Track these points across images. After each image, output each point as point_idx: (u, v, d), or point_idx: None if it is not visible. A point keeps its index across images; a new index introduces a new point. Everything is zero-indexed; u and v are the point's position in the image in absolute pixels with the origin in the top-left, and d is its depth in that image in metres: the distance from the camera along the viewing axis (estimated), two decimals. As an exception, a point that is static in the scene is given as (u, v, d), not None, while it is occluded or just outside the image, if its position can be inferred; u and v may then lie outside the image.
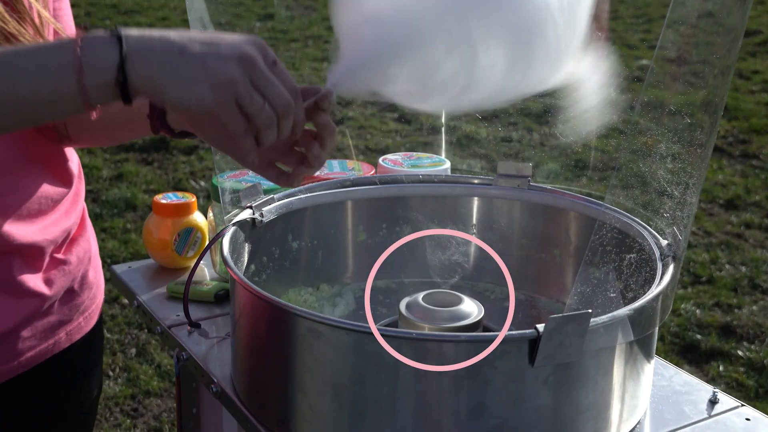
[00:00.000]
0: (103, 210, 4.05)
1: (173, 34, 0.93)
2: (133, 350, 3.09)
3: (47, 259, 1.23)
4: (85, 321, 1.32)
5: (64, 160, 1.26)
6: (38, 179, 1.20)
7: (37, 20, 1.14)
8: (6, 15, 1.08)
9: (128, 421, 2.75)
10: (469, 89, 1.03)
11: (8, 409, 1.24)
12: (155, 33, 0.93)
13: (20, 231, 1.17)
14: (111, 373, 2.97)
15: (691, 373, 1.35)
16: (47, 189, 1.21)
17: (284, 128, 0.96)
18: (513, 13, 1.01)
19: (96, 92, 0.91)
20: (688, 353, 3.13)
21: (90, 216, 1.37)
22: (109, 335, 3.16)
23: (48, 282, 1.23)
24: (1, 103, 0.91)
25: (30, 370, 1.23)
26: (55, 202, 1.23)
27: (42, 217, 1.21)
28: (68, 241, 1.27)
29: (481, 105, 1.08)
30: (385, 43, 1.02)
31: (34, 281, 1.20)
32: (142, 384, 2.91)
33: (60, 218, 1.24)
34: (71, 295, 1.28)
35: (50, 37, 1.17)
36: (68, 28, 1.24)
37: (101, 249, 3.67)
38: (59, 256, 1.25)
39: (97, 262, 1.37)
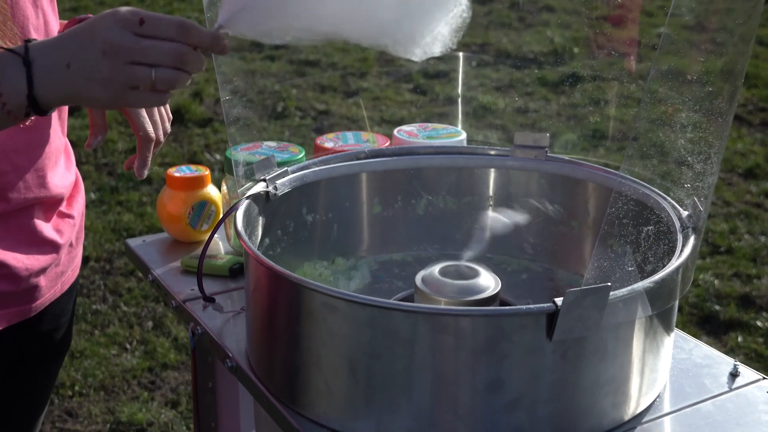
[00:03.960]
0: (118, 183, 4.04)
1: (64, 43, 0.99)
2: (150, 323, 3.10)
3: (57, 211, 1.30)
4: (72, 273, 1.39)
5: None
6: (54, 130, 1.26)
7: None
8: None
9: (146, 393, 2.76)
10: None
11: (17, 349, 1.31)
12: (54, 45, 0.99)
13: (46, 181, 1.24)
14: (128, 346, 2.98)
15: (710, 344, 1.34)
16: (56, 139, 1.27)
17: (192, 64, 0.99)
18: None
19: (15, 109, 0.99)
20: (707, 324, 3.11)
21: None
22: (125, 308, 3.17)
23: (59, 233, 1.30)
24: None
25: (36, 314, 1.30)
26: (58, 152, 1.29)
27: (54, 169, 1.27)
28: (70, 195, 1.34)
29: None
30: None
31: (49, 232, 1.27)
32: (159, 357, 2.92)
33: (65, 171, 1.31)
34: (70, 247, 1.35)
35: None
36: (30, 16, 1.18)
37: (117, 222, 3.67)
38: (64, 209, 1.32)
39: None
